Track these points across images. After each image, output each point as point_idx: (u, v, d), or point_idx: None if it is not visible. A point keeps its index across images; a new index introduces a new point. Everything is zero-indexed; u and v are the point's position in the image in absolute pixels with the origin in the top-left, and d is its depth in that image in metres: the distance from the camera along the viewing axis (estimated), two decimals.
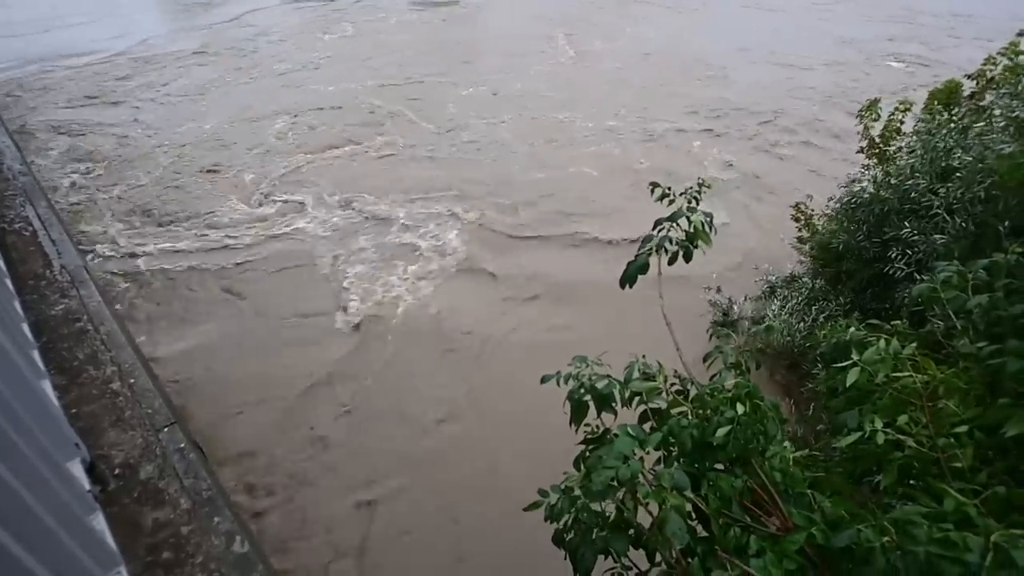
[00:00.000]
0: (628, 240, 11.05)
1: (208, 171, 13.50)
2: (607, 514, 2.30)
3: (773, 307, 8.42)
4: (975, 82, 7.65)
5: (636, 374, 2.57)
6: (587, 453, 2.47)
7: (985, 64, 7.60)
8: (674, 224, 2.67)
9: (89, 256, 10.15)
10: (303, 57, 21.10)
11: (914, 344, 2.58)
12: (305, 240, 11.17)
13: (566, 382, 2.56)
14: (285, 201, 12.40)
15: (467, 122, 16.05)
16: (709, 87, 18.40)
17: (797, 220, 9.07)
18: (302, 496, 6.39)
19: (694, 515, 2.28)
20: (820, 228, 8.45)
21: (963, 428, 2.30)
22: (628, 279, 2.76)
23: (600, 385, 2.47)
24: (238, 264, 10.44)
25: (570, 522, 2.33)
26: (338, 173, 13.51)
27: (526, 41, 22.87)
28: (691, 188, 2.72)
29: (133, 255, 10.56)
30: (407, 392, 7.87)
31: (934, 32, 23.99)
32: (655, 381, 2.54)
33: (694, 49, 21.82)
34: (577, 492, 2.31)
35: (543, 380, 2.63)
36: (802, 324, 7.75)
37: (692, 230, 2.67)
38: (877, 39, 23.01)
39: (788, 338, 7.75)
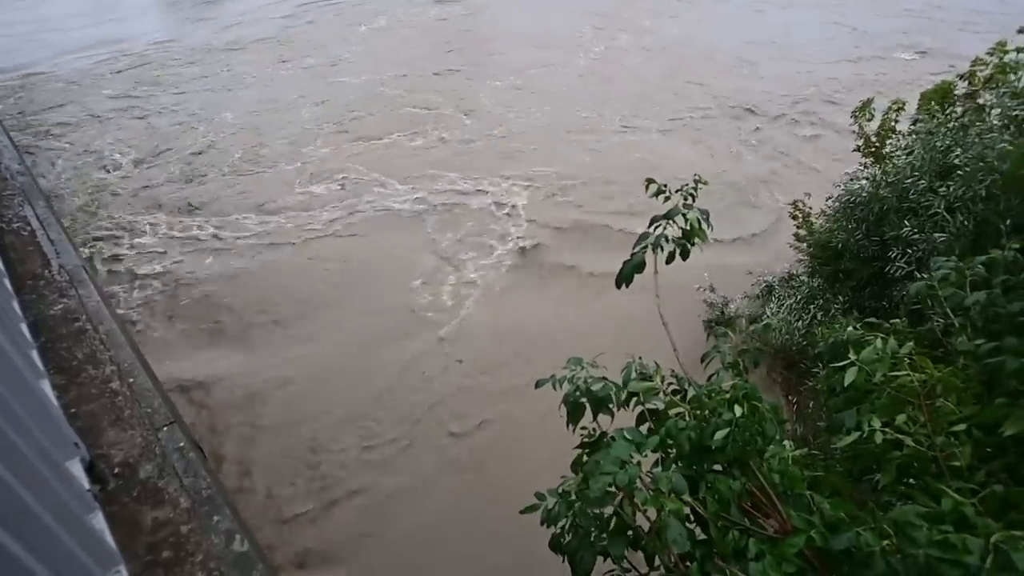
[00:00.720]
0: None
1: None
2: (605, 516, 2.29)
3: (771, 306, 8.44)
4: (967, 82, 7.65)
5: (633, 375, 2.55)
6: (584, 458, 2.46)
7: (974, 64, 7.61)
8: (671, 222, 2.64)
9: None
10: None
11: (911, 343, 2.57)
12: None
13: (561, 385, 2.55)
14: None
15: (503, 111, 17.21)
16: (736, 78, 19.25)
17: (795, 219, 9.07)
18: None
19: (692, 518, 2.27)
20: (818, 227, 8.45)
21: (961, 427, 2.30)
22: (624, 278, 2.73)
23: (596, 388, 2.45)
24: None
25: (567, 526, 2.32)
26: (400, 159, 14.89)
27: (555, 36, 23.60)
28: (687, 185, 2.70)
29: None
30: None
31: (946, 27, 24.21)
32: (652, 382, 2.53)
33: (721, 42, 22.56)
34: (575, 497, 2.30)
35: (538, 384, 2.61)
36: (800, 323, 7.76)
37: (688, 228, 2.64)
38: (892, 32, 23.47)
39: (786, 336, 7.75)
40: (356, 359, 9.45)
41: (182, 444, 3.83)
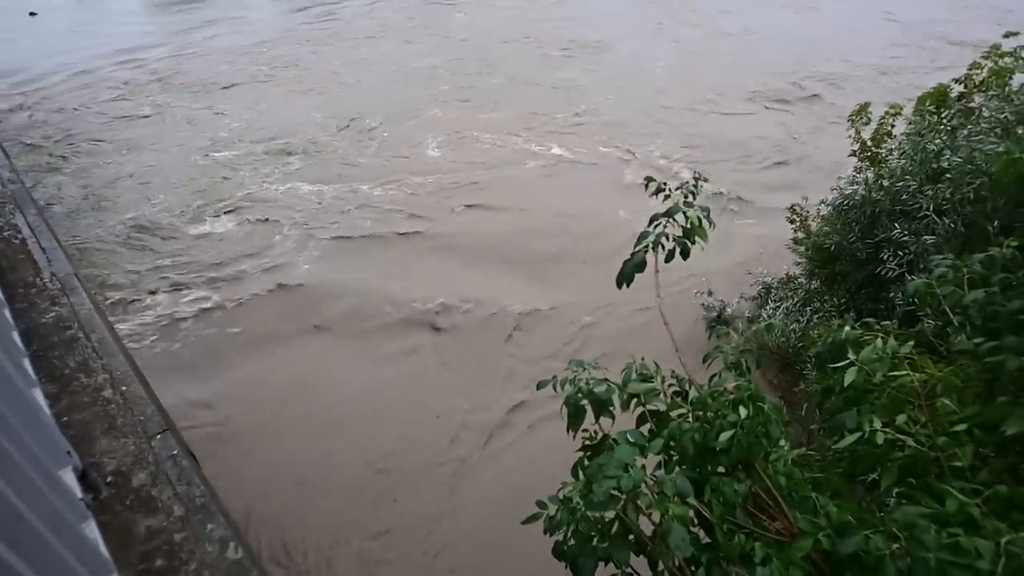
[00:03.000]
0: None
1: None
2: (607, 520, 2.26)
3: (768, 308, 8.47)
4: (963, 85, 7.72)
5: (634, 376, 2.53)
6: (586, 461, 2.44)
7: (971, 68, 7.67)
8: (671, 220, 2.63)
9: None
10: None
11: (911, 342, 2.57)
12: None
13: (563, 387, 2.52)
14: None
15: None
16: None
17: (792, 222, 9.11)
18: None
19: (697, 521, 2.24)
20: (815, 229, 8.49)
21: (962, 427, 2.29)
22: (624, 277, 2.70)
23: (598, 389, 2.43)
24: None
25: (570, 533, 2.29)
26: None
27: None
28: (687, 183, 2.69)
29: None
30: None
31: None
32: (653, 383, 2.51)
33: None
34: (577, 502, 2.27)
35: (539, 386, 2.59)
36: (796, 325, 7.78)
37: (689, 226, 2.62)
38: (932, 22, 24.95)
39: (783, 339, 7.77)
40: None
41: (175, 452, 3.80)
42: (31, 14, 28.55)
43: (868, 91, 17.53)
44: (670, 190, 2.71)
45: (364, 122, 16.83)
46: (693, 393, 2.51)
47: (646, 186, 2.74)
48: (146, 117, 17.38)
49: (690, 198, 2.63)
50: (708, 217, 2.57)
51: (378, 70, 20.77)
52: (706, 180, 2.67)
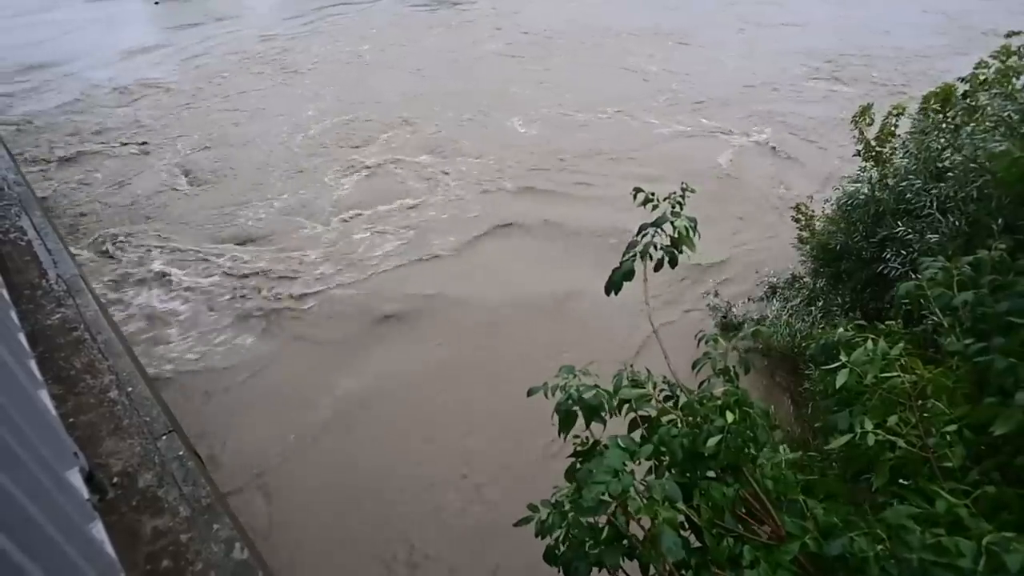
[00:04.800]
0: None
1: None
2: (599, 525, 2.29)
3: (774, 306, 8.48)
4: (968, 84, 7.68)
5: (625, 382, 2.55)
6: (577, 466, 2.46)
7: (977, 67, 7.63)
8: (659, 230, 2.63)
9: None
10: None
11: (902, 344, 2.59)
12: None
13: (553, 393, 2.53)
14: None
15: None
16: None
17: (797, 221, 9.10)
18: None
19: (687, 525, 2.26)
20: (820, 228, 8.49)
21: (952, 427, 2.31)
22: (614, 286, 2.69)
23: (588, 396, 2.44)
24: None
25: (562, 537, 2.31)
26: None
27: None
28: (674, 194, 2.69)
29: None
30: None
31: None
32: (643, 388, 2.53)
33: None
34: (568, 507, 2.30)
35: (530, 392, 2.59)
36: (801, 324, 7.78)
37: (677, 235, 2.62)
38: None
39: (788, 339, 7.78)
40: None
41: (181, 452, 3.85)
42: (155, 3, 32.19)
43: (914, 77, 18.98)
44: (658, 200, 2.72)
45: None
46: (683, 399, 2.53)
47: (634, 197, 2.74)
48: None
49: (677, 208, 2.64)
50: (695, 227, 2.58)
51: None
52: (693, 191, 2.67)
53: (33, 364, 4.14)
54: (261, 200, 13.24)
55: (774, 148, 15.23)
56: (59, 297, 4.96)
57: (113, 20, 28.95)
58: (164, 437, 3.92)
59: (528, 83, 19.83)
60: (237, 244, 11.72)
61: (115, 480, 3.60)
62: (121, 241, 11.77)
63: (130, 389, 4.21)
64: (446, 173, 14.19)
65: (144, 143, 16.03)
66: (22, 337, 4.35)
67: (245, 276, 10.74)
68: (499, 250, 11.55)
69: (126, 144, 16.02)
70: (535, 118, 17.14)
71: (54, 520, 2.52)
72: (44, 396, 3.84)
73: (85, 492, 3.31)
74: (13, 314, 4.57)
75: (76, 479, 3.32)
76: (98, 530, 3.18)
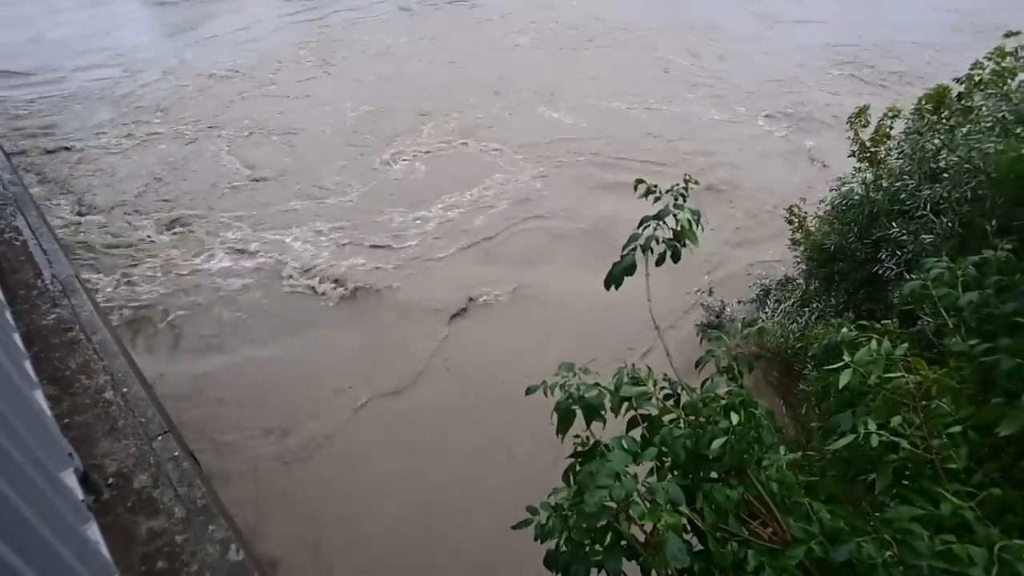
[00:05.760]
0: None
1: None
2: (599, 526, 2.24)
3: (766, 310, 8.48)
4: (963, 86, 7.71)
5: (626, 380, 2.51)
6: (577, 467, 2.42)
7: (973, 68, 7.66)
8: (661, 222, 2.59)
9: None
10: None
11: (906, 344, 2.57)
12: None
13: (553, 392, 2.49)
14: None
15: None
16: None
17: (791, 222, 9.10)
18: None
19: (689, 528, 2.22)
20: (813, 229, 8.50)
21: (957, 428, 2.29)
22: (614, 280, 2.64)
23: (589, 395, 2.40)
24: None
25: (562, 541, 2.26)
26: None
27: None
28: (677, 185, 2.65)
29: None
30: None
31: None
32: (644, 386, 2.48)
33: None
34: (568, 511, 2.24)
35: (528, 391, 2.54)
36: (795, 325, 7.79)
37: (679, 228, 2.58)
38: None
39: (781, 339, 7.78)
40: None
41: (177, 453, 3.81)
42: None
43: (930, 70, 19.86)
44: (660, 192, 2.67)
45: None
46: (685, 398, 2.49)
47: (635, 188, 2.70)
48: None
49: (680, 200, 2.59)
50: (699, 220, 2.55)
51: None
52: (696, 183, 2.64)
53: (28, 365, 4.10)
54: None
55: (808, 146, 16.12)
56: (54, 297, 4.91)
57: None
58: (159, 438, 3.89)
59: (570, 74, 20.92)
60: None
61: (110, 481, 3.57)
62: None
63: (125, 390, 4.17)
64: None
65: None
66: (17, 337, 4.31)
67: None
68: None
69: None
70: (574, 106, 18.39)
71: (49, 521, 2.49)
72: (39, 397, 3.80)
73: (80, 493, 3.28)
74: (8, 314, 4.53)
75: (71, 480, 3.29)
76: (93, 531, 3.14)
